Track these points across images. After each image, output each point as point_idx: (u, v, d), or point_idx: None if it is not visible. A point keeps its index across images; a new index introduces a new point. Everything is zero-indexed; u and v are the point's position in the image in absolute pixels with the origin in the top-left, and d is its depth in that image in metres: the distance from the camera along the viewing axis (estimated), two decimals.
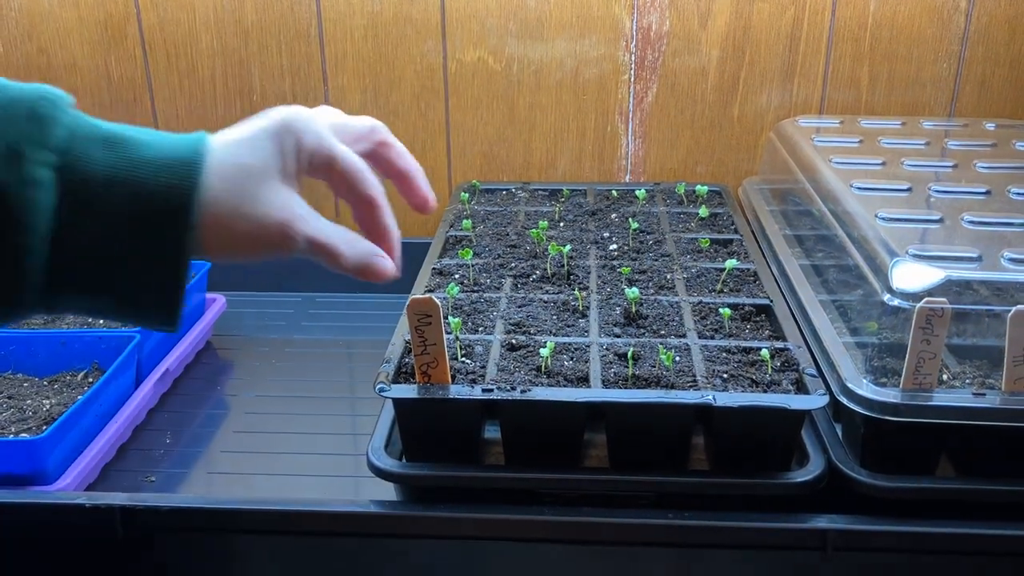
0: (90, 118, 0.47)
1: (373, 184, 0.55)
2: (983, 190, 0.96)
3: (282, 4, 1.29)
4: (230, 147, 0.49)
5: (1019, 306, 0.73)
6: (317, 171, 0.53)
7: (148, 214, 0.45)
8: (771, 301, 0.93)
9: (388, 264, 0.55)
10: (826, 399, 0.76)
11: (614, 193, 1.25)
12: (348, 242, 0.53)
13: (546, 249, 1.04)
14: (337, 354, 1.22)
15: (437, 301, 0.74)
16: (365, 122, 0.59)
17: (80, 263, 0.45)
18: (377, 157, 0.60)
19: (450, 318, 0.85)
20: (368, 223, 0.56)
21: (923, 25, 1.26)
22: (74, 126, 0.45)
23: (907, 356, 0.75)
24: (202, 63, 1.33)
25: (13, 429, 0.94)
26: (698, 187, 1.22)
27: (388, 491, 0.83)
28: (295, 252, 0.51)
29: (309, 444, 1.01)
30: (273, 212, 0.49)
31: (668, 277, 0.99)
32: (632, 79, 1.31)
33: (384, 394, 0.77)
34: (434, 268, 1.02)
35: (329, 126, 0.54)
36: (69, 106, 0.47)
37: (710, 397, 0.75)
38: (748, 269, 1.01)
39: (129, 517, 0.78)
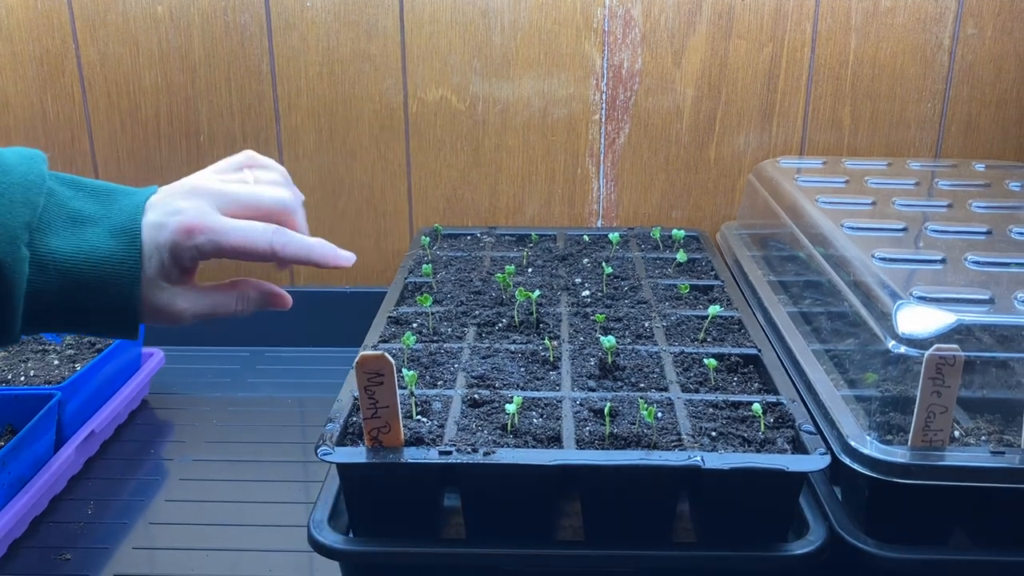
0: (66, 193, 0.55)
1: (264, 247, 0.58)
2: (983, 230, 0.89)
3: (232, 40, 1.21)
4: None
5: None
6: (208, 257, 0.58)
7: (100, 283, 0.55)
8: (759, 350, 0.85)
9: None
10: (827, 459, 0.67)
11: (586, 238, 1.17)
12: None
13: (513, 295, 0.95)
14: (287, 413, 1.12)
15: (390, 359, 0.65)
16: (271, 208, 0.60)
17: (51, 311, 0.54)
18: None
19: (404, 371, 0.76)
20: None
21: (906, 63, 1.20)
22: (49, 206, 0.54)
23: (916, 410, 0.67)
24: (145, 101, 1.24)
25: None
26: (674, 231, 1.14)
27: (336, 570, 0.73)
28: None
29: (254, 515, 0.91)
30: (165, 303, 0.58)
31: (646, 325, 0.91)
32: (603, 119, 1.24)
33: (327, 459, 0.67)
34: (390, 317, 0.93)
35: (225, 205, 0.57)
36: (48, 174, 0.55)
37: (698, 458, 0.66)
38: (732, 317, 0.93)
39: None
